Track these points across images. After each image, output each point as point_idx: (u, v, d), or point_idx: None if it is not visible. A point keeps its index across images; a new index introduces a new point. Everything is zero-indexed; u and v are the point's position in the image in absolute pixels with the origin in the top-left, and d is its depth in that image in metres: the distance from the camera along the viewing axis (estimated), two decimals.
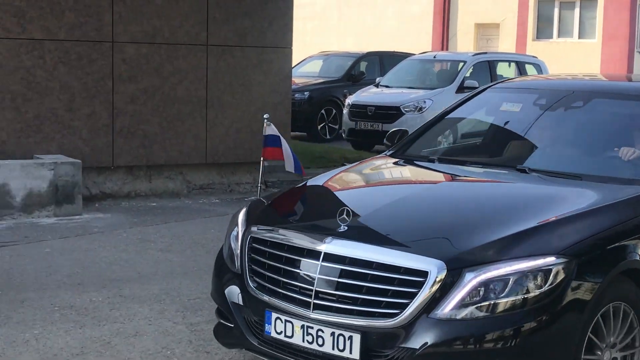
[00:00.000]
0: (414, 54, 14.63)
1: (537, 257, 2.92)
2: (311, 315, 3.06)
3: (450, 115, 4.75)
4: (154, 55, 7.55)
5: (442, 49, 23.24)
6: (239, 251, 3.42)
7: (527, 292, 2.87)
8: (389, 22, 24.71)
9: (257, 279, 3.27)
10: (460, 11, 24.15)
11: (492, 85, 5.05)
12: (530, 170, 3.81)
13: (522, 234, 3.07)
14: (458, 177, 4.10)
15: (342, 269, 3.02)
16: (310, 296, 3.06)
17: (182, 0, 7.68)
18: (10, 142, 6.85)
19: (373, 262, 2.98)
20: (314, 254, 3.10)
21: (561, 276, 2.90)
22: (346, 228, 3.13)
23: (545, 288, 2.87)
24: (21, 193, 6.42)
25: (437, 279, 2.85)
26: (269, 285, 3.21)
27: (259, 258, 3.30)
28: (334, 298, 3.03)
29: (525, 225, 3.13)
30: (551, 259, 2.91)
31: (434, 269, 2.86)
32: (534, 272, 2.88)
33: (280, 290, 3.15)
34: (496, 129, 4.68)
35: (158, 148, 7.62)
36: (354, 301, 2.98)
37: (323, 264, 3.05)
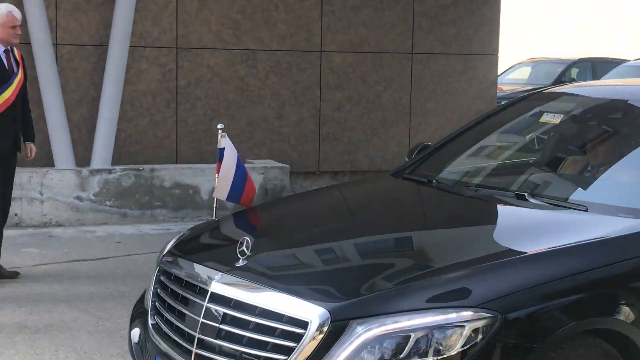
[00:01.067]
0: (629, 60, 13.90)
1: (450, 309, 2.38)
2: None
3: (474, 129, 4.20)
4: (359, 63, 7.82)
5: None
6: (150, 284, 3.11)
7: (433, 353, 2.34)
8: (600, 25, 23.47)
9: (157, 318, 2.95)
10: None
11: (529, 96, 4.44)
12: (531, 196, 3.21)
13: (437, 278, 2.55)
14: (414, 205, 3.68)
15: (225, 313, 2.60)
16: (192, 344, 2.67)
17: (389, 9, 7.92)
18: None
19: (256, 307, 2.54)
20: (202, 293, 2.71)
21: (479, 336, 2.34)
22: (243, 263, 2.74)
23: (456, 350, 2.34)
24: None
25: (318, 332, 2.38)
26: (164, 327, 2.86)
27: (161, 293, 2.98)
28: (215, 349, 2.61)
29: (450, 266, 2.64)
30: (467, 314, 2.37)
31: (316, 319, 2.39)
32: (442, 329, 2.35)
33: (170, 335, 2.80)
34: (516, 146, 4.16)
35: (362, 154, 7.85)
36: (234, 355, 2.56)
37: (208, 305, 2.66)
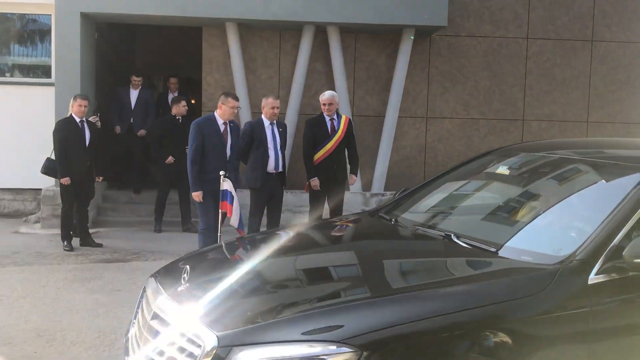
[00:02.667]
0: None
1: (316, 343, 2.47)
2: None
3: (443, 178, 4.37)
4: (550, 128, 10.45)
5: None
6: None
7: None
8: None
9: (135, 325, 3.24)
10: None
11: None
12: (456, 237, 3.31)
13: (314, 312, 2.65)
14: (356, 241, 3.90)
15: (156, 330, 2.87)
16: (132, 355, 3.00)
17: (571, 92, 10.45)
18: None
19: (173, 325, 2.81)
20: (149, 310, 3.05)
21: None
22: (182, 288, 3.02)
23: None
24: None
25: (208, 354, 2.54)
26: (137, 334, 3.16)
27: (142, 304, 3.28)
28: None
29: (328, 302, 2.77)
30: (331, 348, 2.44)
31: (207, 343, 2.57)
32: None
33: (134, 342, 3.12)
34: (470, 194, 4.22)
35: None
36: None
37: (151, 322, 2.95)
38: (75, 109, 7.89)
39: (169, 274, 3.39)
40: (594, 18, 10.54)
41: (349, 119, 7.84)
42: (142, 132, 9.79)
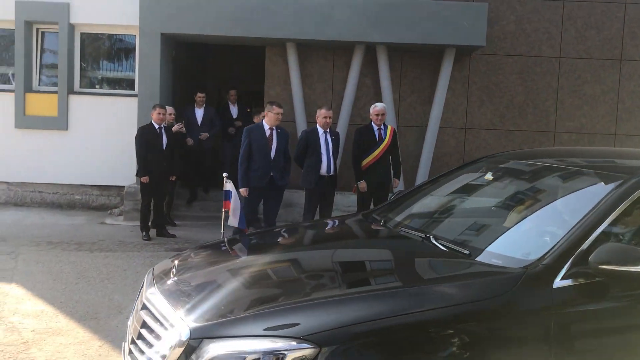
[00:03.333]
0: None
1: (277, 338, 2.39)
2: None
3: (434, 183, 4.24)
4: (579, 140, 10.26)
5: None
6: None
7: None
8: None
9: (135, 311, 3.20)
10: None
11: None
12: (435, 238, 3.18)
13: (279, 310, 2.57)
14: (341, 240, 3.73)
15: (143, 320, 2.82)
16: (129, 341, 2.94)
17: (599, 107, 10.28)
18: None
19: (156, 316, 2.75)
20: (140, 301, 3.02)
21: None
22: (170, 282, 2.97)
23: None
24: None
25: (181, 344, 2.49)
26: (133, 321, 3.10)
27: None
28: (134, 346, 2.82)
29: (293, 300, 2.65)
30: (289, 343, 2.36)
31: (181, 333, 2.51)
32: (270, 355, 2.35)
33: (129, 329, 3.07)
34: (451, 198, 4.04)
35: None
36: (141, 352, 2.75)
37: (141, 311, 2.90)
38: (154, 117, 8.17)
39: (163, 268, 3.32)
40: (623, 39, 10.29)
41: (394, 129, 7.91)
42: (205, 134, 9.86)
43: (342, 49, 10.14)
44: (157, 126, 8.20)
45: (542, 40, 10.30)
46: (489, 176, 3.85)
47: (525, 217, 3.33)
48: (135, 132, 9.72)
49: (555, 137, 10.41)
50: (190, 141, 10.14)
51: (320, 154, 7.23)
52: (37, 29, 10.60)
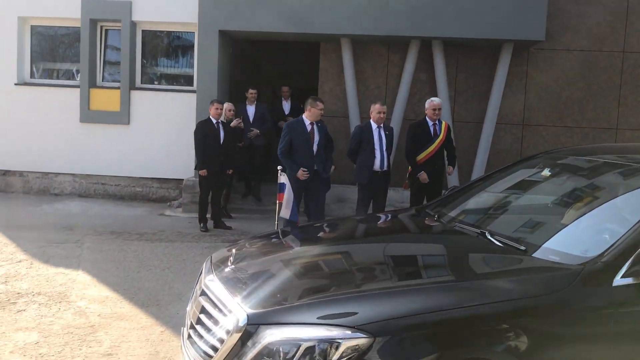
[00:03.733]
0: None
1: (332, 327, 2.43)
2: (183, 347, 3.01)
3: (489, 179, 4.23)
4: None
5: None
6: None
7: None
8: None
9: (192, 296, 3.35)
10: None
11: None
12: (490, 234, 3.18)
13: (335, 299, 2.62)
14: (393, 235, 3.70)
15: (202, 306, 2.92)
16: (188, 326, 3.04)
17: None
18: None
19: (215, 302, 2.83)
20: (199, 287, 3.13)
21: (354, 353, 2.36)
22: (228, 269, 3.07)
23: None
24: None
25: (239, 329, 2.56)
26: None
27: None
28: (193, 331, 2.92)
29: (349, 290, 2.70)
30: (345, 332, 2.40)
31: (239, 319, 2.59)
32: (325, 343, 2.40)
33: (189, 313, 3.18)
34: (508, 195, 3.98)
35: None
36: (199, 337, 2.86)
37: (200, 297, 2.99)
38: (212, 112, 8.39)
39: (222, 256, 3.41)
40: None
41: (448, 125, 7.87)
42: (255, 132, 9.91)
43: (396, 45, 10.14)
44: (214, 121, 8.42)
45: (605, 35, 10.02)
46: (546, 172, 3.78)
47: (584, 214, 3.28)
48: (193, 127, 10.04)
49: (617, 134, 10.13)
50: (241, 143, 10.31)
51: (373, 149, 7.27)
52: (101, 27, 11.00)
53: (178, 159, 10.72)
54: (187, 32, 10.92)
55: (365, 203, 7.39)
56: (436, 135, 7.63)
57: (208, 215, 8.72)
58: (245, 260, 3.30)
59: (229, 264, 3.15)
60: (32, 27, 11.06)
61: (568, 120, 10.20)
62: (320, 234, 3.82)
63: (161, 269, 6.42)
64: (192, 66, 10.94)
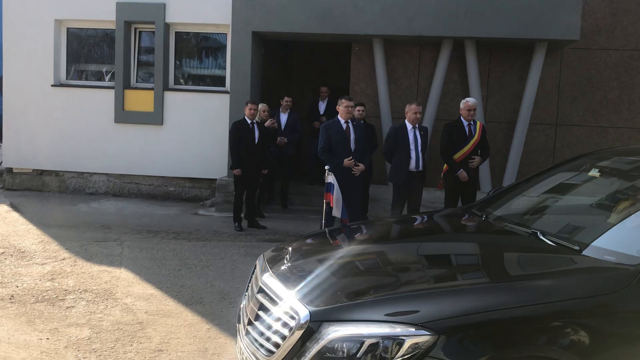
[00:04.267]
0: None
1: (396, 324, 2.46)
2: (240, 343, 3.06)
3: (535, 179, 4.25)
4: None
5: None
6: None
7: (379, 359, 2.41)
8: None
9: (244, 299, 3.40)
10: None
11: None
12: (542, 234, 3.19)
13: (397, 297, 2.64)
14: (447, 235, 3.71)
15: (261, 303, 2.95)
16: (245, 322, 3.05)
17: None
18: None
19: (274, 299, 2.86)
20: (257, 285, 3.15)
21: (417, 350, 2.38)
22: (284, 267, 3.10)
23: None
24: None
25: (301, 326, 2.59)
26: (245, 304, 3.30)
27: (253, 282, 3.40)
28: (252, 327, 2.96)
29: (411, 288, 2.75)
30: (408, 329, 2.42)
31: (301, 316, 2.61)
32: (388, 340, 2.42)
33: (243, 311, 3.24)
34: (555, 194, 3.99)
35: None
36: (259, 334, 2.88)
37: (257, 295, 3.03)
38: (246, 112, 8.50)
39: (276, 254, 3.45)
40: None
41: (483, 125, 7.85)
42: (282, 139, 9.90)
43: (428, 45, 10.16)
44: (249, 121, 8.51)
45: None
46: (594, 172, 3.77)
47: (635, 214, 3.24)
48: (226, 128, 10.15)
49: None
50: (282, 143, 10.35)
51: (409, 149, 7.29)
52: (135, 29, 11.18)
53: (210, 159, 10.86)
54: (220, 33, 11.05)
55: (401, 203, 7.42)
56: (471, 136, 7.63)
57: (242, 215, 8.82)
58: (300, 258, 3.35)
59: (286, 261, 3.19)
60: (68, 30, 11.27)
61: (602, 120, 10.13)
62: (373, 233, 3.85)
63: (201, 268, 6.53)
64: (224, 67, 11.06)
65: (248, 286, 3.45)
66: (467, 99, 7.80)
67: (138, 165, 11.07)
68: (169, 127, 10.97)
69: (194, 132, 10.89)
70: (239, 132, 8.45)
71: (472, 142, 7.61)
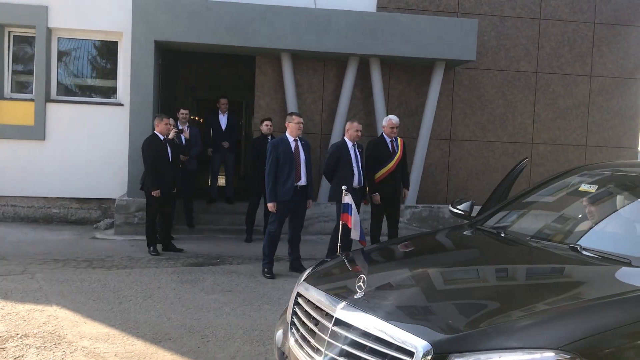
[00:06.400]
0: None
1: (533, 350, 2.30)
2: None
3: (536, 191, 4.26)
4: (554, 152, 10.95)
5: None
6: (290, 304, 3.32)
7: None
8: None
9: (294, 332, 3.10)
10: None
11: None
12: (582, 249, 3.18)
13: (523, 321, 2.46)
14: (496, 253, 3.54)
15: (346, 336, 2.68)
16: (321, 357, 2.77)
17: (572, 122, 11.02)
18: (476, 198, 10.93)
19: (371, 334, 2.59)
20: (329, 317, 2.83)
21: None
22: (360, 296, 2.82)
23: None
24: None
25: None
26: (300, 341, 3.00)
27: (298, 312, 3.13)
28: None
29: (531, 311, 2.54)
30: (549, 354, 2.28)
31: (420, 350, 2.38)
32: None
33: (305, 347, 2.93)
34: (566, 207, 4.03)
35: None
36: None
37: (333, 328, 2.76)
38: (161, 128, 7.92)
39: (333, 281, 3.20)
40: (593, 56, 11.07)
41: (403, 141, 8.08)
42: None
43: (333, 61, 10.27)
44: (161, 137, 7.97)
45: (521, 56, 10.89)
46: (586, 187, 3.85)
47: None
48: (120, 143, 9.49)
49: (532, 148, 11.01)
50: (210, 151, 10.05)
51: (351, 166, 7.29)
52: (10, 32, 10.01)
53: (100, 177, 10.02)
54: (110, 41, 10.24)
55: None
56: (394, 152, 7.83)
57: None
58: (374, 282, 3.02)
59: (359, 289, 2.86)
60: None
61: (490, 135, 10.92)
62: (436, 252, 3.69)
63: (142, 299, 5.96)
64: (115, 77, 10.27)
65: (292, 321, 3.16)
66: (390, 116, 7.98)
67: (16, 185, 9.89)
68: (52, 142, 9.93)
69: (82, 148, 9.98)
70: (154, 149, 7.86)
71: (395, 158, 7.80)
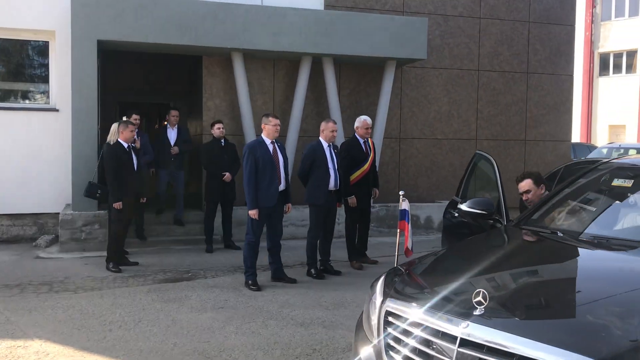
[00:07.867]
0: None
1: None
2: None
3: (571, 188, 4.12)
4: (497, 147, 11.22)
5: None
6: (375, 322, 3.00)
7: None
8: None
9: (394, 355, 2.80)
10: None
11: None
12: None
13: None
14: (591, 259, 3.28)
15: (479, 357, 2.41)
16: None
17: (512, 118, 11.31)
18: (426, 194, 11.00)
19: (515, 354, 2.32)
20: (449, 338, 2.54)
21: None
22: (483, 311, 2.53)
23: None
24: (437, 221, 10.42)
25: None
26: None
27: (394, 333, 2.83)
28: None
29: None
30: None
31: None
32: None
33: None
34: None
35: None
36: None
37: (460, 349, 2.48)
38: (125, 135, 7.26)
39: (434, 296, 2.85)
40: (528, 54, 11.46)
41: (373, 141, 7.95)
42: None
43: (283, 60, 9.93)
44: (126, 145, 7.31)
45: (464, 54, 11.07)
46: (620, 182, 3.76)
47: None
48: (56, 152, 8.77)
49: (477, 144, 11.23)
50: (153, 172, 9.40)
51: (327, 167, 7.01)
52: None
53: (35, 191, 9.11)
54: (40, 40, 9.31)
55: (320, 223, 7.07)
56: (368, 153, 7.66)
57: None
58: (494, 293, 2.75)
59: (479, 304, 2.56)
60: None
61: (437, 133, 11.02)
62: (527, 258, 3.47)
63: (134, 324, 5.37)
64: (47, 81, 9.36)
65: (387, 345, 2.85)
66: (364, 117, 7.79)
67: None
68: None
69: (12, 159, 9.03)
70: (117, 157, 7.19)
71: (370, 159, 7.65)
